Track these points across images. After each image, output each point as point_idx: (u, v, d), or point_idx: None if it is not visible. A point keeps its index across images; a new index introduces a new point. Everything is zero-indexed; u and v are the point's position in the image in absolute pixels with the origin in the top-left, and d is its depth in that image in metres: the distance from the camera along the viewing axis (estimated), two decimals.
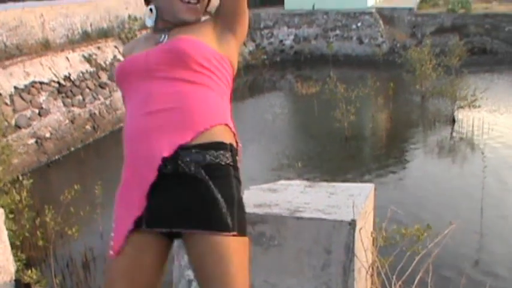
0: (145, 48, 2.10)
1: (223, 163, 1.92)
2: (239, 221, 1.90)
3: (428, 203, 9.46)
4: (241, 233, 1.90)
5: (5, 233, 3.03)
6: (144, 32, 18.51)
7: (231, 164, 1.95)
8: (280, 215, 2.40)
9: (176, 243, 2.16)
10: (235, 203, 1.91)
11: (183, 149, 1.89)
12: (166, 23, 2.13)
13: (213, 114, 1.96)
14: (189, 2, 2.08)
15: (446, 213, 8.84)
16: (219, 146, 1.93)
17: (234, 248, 1.86)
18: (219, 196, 1.88)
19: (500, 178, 10.23)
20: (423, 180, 10.89)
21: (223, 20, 2.11)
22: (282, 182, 2.84)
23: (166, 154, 1.89)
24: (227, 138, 1.97)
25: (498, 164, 10.86)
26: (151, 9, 2.14)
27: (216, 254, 1.84)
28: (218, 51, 2.06)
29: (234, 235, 1.87)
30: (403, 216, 3.79)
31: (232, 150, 1.97)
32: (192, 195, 1.88)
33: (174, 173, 1.89)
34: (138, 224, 1.93)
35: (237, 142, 2.03)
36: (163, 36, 2.10)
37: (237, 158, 2.00)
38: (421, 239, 4.28)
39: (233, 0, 2.09)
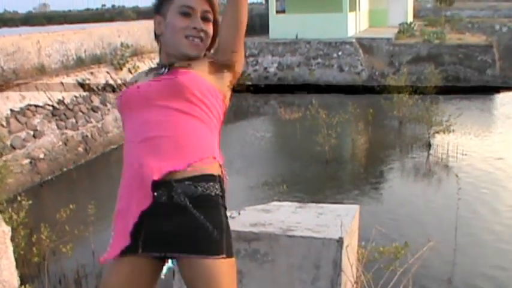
0: (147, 80, 2.20)
1: (213, 194, 2.02)
2: (227, 245, 2.01)
3: (405, 223, 9.55)
4: (229, 255, 2.01)
5: (11, 249, 3.09)
6: (135, 58, 18.64)
7: (220, 194, 2.05)
8: (274, 233, 2.50)
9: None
10: (224, 228, 2.02)
11: (176, 181, 1.99)
12: (170, 57, 2.22)
13: (203, 147, 2.06)
14: (193, 39, 2.16)
15: (422, 232, 8.93)
16: (209, 178, 2.03)
17: (224, 270, 1.97)
18: (208, 224, 1.98)
19: (473, 199, 10.35)
20: (400, 201, 10.97)
21: (221, 58, 2.19)
22: (275, 203, 2.93)
23: (156, 178, 1.99)
24: (215, 170, 2.07)
25: (471, 186, 10.99)
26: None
27: (207, 276, 1.94)
28: (214, 86, 2.14)
29: (223, 257, 1.97)
30: (382, 234, 3.88)
31: (220, 181, 2.08)
32: (184, 223, 1.98)
33: (169, 202, 1.99)
34: (134, 249, 2.03)
35: (223, 172, 2.13)
36: (163, 69, 2.19)
37: (224, 187, 2.10)
38: (398, 256, 4.38)
39: (230, 40, 2.16)
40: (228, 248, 2.01)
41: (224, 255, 1.97)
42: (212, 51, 2.27)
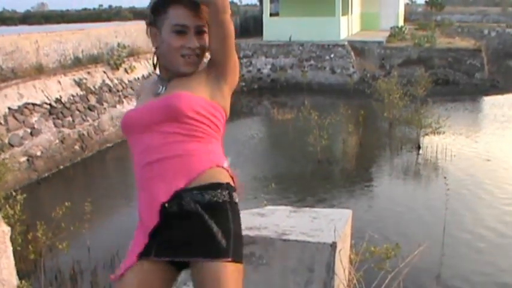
0: (147, 99, 2.21)
1: (220, 200, 2.03)
2: (235, 250, 2.01)
3: (394, 223, 9.58)
4: (237, 260, 2.02)
5: (10, 248, 3.09)
6: (131, 58, 18.61)
7: (228, 200, 2.05)
8: (269, 237, 2.51)
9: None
10: (232, 233, 2.02)
11: (185, 191, 2.03)
12: (167, 72, 2.22)
13: (203, 160, 2.07)
14: (189, 57, 2.15)
15: (411, 232, 8.98)
16: (216, 186, 2.05)
17: (229, 274, 1.97)
18: (216, 228, 2.00)
19: (462, 199, 10.40)
20: (390, 201, 11.02)
21: (215, 70, 2.18)
22: (269, 207, 2.95)
23: (164, 200, 2.04)
24: (223, 178, 2.09)
25: (460, 186, 11.03)
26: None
27: (212, 279, 1.96)
28: (210, 100, 2.14)
29: (228, 261, 1.98)
30: (372, 233, 3.89)
31: (229, 188, 2.08)
32: (193, 229, 2.01)
33: (179, 211, 2.03)
34: (147, 253, 2.06)
35: (233, 179, 2.14)
36: (161, 87, 2.19)
37: (235, 193, 2.11)
38: (389, 257, 4.39)
39: (222, 52, 2.15)
40: (236, 253, 2.01)
41: (230, 259, 1.98)
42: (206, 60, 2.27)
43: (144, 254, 2.07)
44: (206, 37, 2.17)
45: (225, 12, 2.08)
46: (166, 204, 2.03)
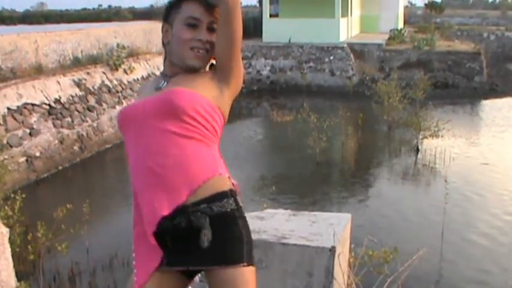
0: (147, 94, 2.19)
1: (229, 210, 2.05)
2: (248, 254, 2.05)
3: (393, 226, 9.59)
4: (250, 263, 2.06)
5: (9, 250, 3.09)
6: (130, 59, 18.60)
7: (235, 208, 2.07)
8: (268, 241, 2.52)
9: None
10: (244, 239, 2.05)
11: (192, 205, 2.02)
12: (173, 67, 2.21)
13: (206, 167, 2.06)
14: (198, 51, 2.16)
15: (409, 235, 8.99)
16: (222, 195, 2.05)
17: (246, 278, 2.01)
18: (229, 237, 2.02)
19: (460, 203, 10.41)
20: (388, 204, 11.02)
21: (220, 73, 2.19)
22: (269, 210, 2.96)
23: (165, 213, 2.02)
24: (225, 185, 2.08)
25: (458, 190, 11.03)
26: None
27: (230, 284, 1.99)
28: (211, 101, 2.13)
29: (244, 265, 2.01)
30: (371, 239, 3.90)
31: (233, 194, 2.09)
32: (206, 238, 2.02)
33: (189, 226, 2.02)
34: (160, 263, 2.08)
35: (233, 184, 2.14)
36: (163, 82, 2.19)
37: (239, 197, 2.12)
38: (388, 260, 4.40)
39: (228, 55, 2.16)
40: (248, 255, 2.05)
41: (245, 263, 2.02)
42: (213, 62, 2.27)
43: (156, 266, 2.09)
44: (214, 36, 2.18)
45: (235, 13, 2.10)
46: (175, 221, 2.02)
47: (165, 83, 2.18)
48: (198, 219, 2.01)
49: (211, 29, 2.17)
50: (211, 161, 2.10)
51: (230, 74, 2.19)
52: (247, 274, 2.01)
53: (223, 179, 2.10)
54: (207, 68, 2.28)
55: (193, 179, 2.03)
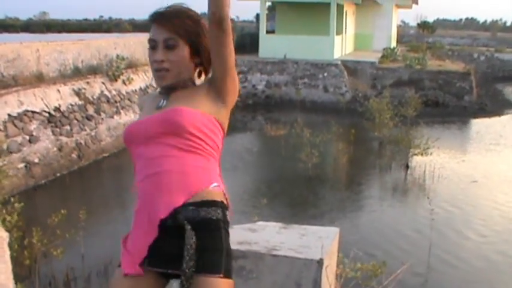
0: (148, 112, 2.23)
1: (214, 218, 2.07)
2: (226, 266, 2.06)
3: (381, 241, 9.63)
4: (228, 276, 2.06)
5: (8, 253, 3.12)
6: (129, 70, 18.65)
7: (221, 218, 2.10)
8: (259, 252, 2.57)
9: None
10: (224, 250, 2.07)
11: (181, 206, 2.06)
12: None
13: (200, 179, 2.10)
14: (159, 71, 2.18)
15: (397, 250, 9.04)
16: (211, 203, 2.08)
17: None
18: (210, 245, 2.04)
19: (447, 220, 10.48)
20: (377, 219, 11.07)
21: (215, 86, 2.19)
22: (260, 223, 3.01)
23: (163, 216, 2.06)
24: (217, 197, 2.12)
25: (446, 207, 11.13)
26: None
27: None
28: (211, 116, 2.16)
29: (220, 277, 2.02)
30: (358, 250, 3.96)
31: (222, 207, 2.13)
32: (187, 243, 2.04)
33: (175, 225, 2.06)
34: (141, 263, 2.11)
35: (226, 199, 2.18)
36: (162, 101, 2.21)
37: (228, 212, 2.16)
38: (376, 274, 4.45)
39: (221, 69, 2.15)
40: (227, 269, 2.06)
41: (222, 275, 2.03)
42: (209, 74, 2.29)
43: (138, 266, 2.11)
44: (179, 52, 2.16)
45: (222, 25, 2.04)
46: (167, 223, 2.06)
47: (164, 101, 2.20)
48: (182, 219, 2.04)
49: (169, 47, 2.15)
50: (209, 174, 2.14)
51: (226, 88, 2.19)
52: (222, 286, 2.02)
53: (217, 191, 2.14)
54: (202, 78, 2.30)
55: (190, 187, 2.07)
